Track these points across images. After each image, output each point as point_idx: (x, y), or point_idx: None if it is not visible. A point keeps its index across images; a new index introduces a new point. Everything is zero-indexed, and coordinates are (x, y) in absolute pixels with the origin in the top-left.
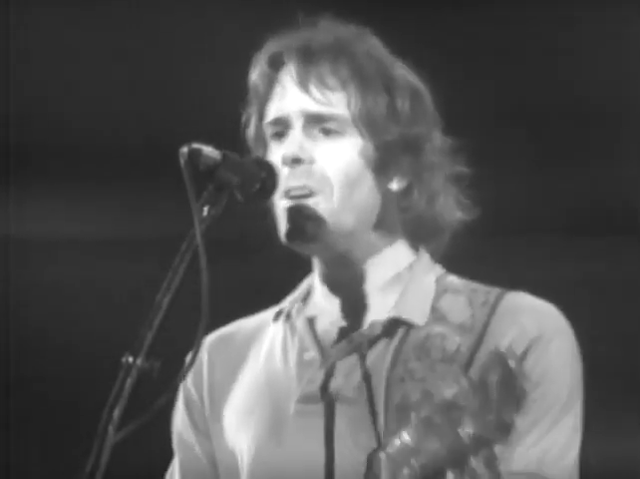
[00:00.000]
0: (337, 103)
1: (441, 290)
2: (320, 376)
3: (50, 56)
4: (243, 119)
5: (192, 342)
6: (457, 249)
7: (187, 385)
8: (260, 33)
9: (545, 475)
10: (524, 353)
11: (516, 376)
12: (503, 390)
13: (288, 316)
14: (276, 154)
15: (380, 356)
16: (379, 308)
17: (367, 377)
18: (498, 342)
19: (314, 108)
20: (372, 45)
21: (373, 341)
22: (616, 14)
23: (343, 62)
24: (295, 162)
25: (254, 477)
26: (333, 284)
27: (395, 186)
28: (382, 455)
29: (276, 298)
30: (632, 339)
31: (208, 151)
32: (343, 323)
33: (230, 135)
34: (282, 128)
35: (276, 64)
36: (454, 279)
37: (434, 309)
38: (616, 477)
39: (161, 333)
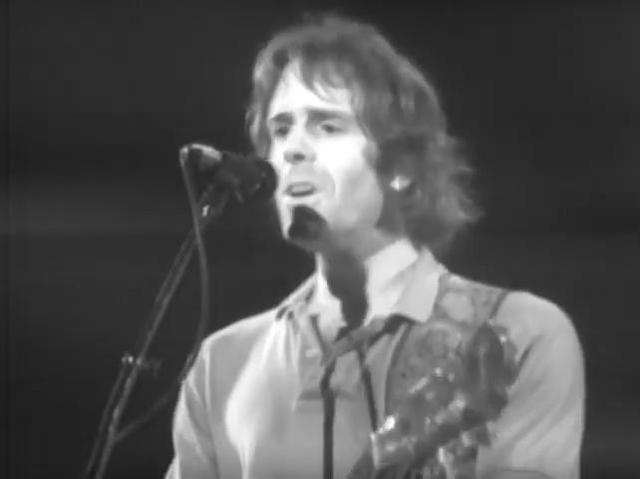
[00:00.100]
0: (341, 100)
1: (443, 289)
2: (321, 373)
3: (50, 55)
4: (247, 116)
5: (192, 342)
6: (457, 249)
7: (189, 385)
8: (264, 32)
9: (546, 473)
10: (526, 352)
11: (505, 349)
12: (493, 363)
13: (291, 315)
14: (279, 150)
15: (381, 352)
16: (381, 306)
17: (368, 373)
18: None
19: (318, 105)
20: (377, 43)
21: (375, 338)
22: (616, 14)
23: (347, 59)
24: (297, 158)
25: (256, 473)
26: (336, 282)
27: (397, 184)
28: (373, 436)
29: (277, 298)
30: (632, 339)
31: (208, 151)
32: (345, 321)
33: (230, 134)
34: (285, 124)
35: (281, 61)
36: (456, 279)
37: (436, 307)
38: (616, 476)
39: (161, 333)
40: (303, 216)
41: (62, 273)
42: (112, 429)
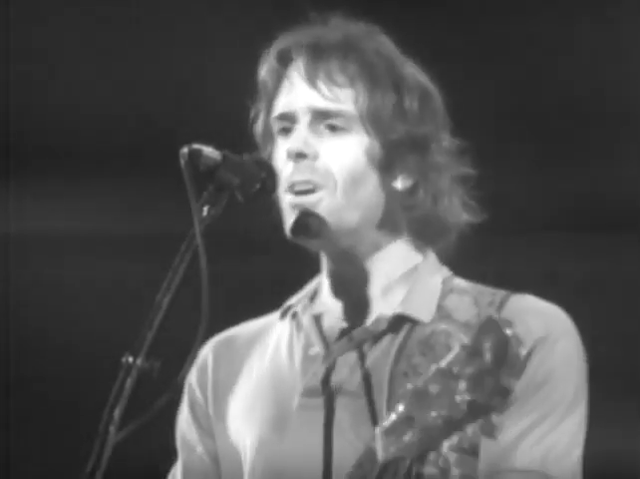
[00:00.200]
0: (344, 99)
1: (447, 290)
2: (322, 371)
3: (50, 55)
4: (252, 114)
5: (192, 342)
6: (458, 249)
7: (192, 386)
8: (264, 32)
9: (549, 473)
10: (529, 353)
11: (511, 341)
12: (498, 355)
13: (294, 315)
14: (282, 149)
15: (384, 351)
16: (384, 306)
17: (370, 371)
18: None
19: (321, 104)
20: (382, 43)
21: (378, 337)
22: (616, 14)
23: (352, 59)
24: (299, 156)
25: (257, 470)
26: (339, 281)
27: (400, 184)
28: (377, 430)
29: (278, 297)
30: (633, 338)
31: (209, 151)
32: (347, 321)
33: (231, 134)
34: (289, 123)
35: (285, 60)
36: (460, 281)
37: (439, 308)
38: (617, 476)
39: (161, 333)
40: (305, 214)
41: (62, 273)
42: (112, 429)
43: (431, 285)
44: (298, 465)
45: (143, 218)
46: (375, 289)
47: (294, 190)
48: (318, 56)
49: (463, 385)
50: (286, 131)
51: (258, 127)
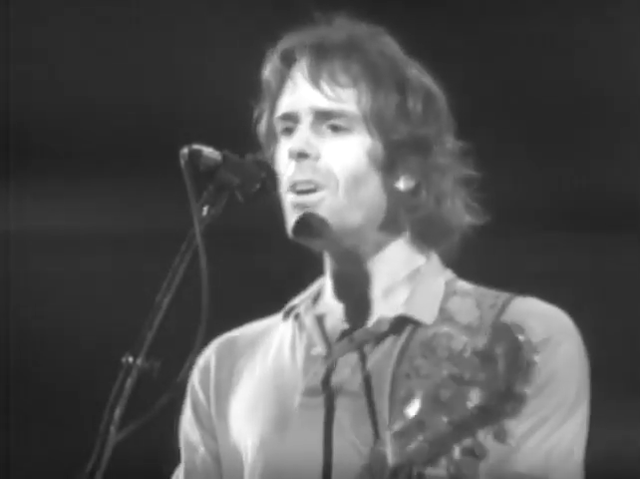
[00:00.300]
0: (347, 99)
1: (450, 292)
2: (323, 370)
3: (50, 55)
4: (255, 114)
5: (192, 342)
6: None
7: (195, 387)
8: (265, 32)
9: (551, 476)
10: None
11: (523, 347)
12: (511, 361)
13: (297, 316)
14: (285, 149)
15: (387, 352)
16: (386, 307)
17: (372, 372)
18: None
19: (324, 104)
20: (386, 44)
21: (380, 338)
22: (616, 14)
23: (355, 59)
24: (301, 156)
25: (258, 469)
26: (342, 281)
27: (402, 185)
28: (387, 434)
29: (278, 297)
30: (633, 338)
31: (209, 152)
32: (348, 322)
33: (230, 133)
34: (291, 123)
35: (289, 60)
36: (463, 284)
37: (442, 310)
38: (619, 476)
39: (161, 333)
40: (307, 214)
41: (62, 272)
42: (113, 429)
43: (434, 287)
44: (298, 464)
45: (143, 217)
46: (377, 291)
47: (296, 189)
48: (321, 56)
49: (475, 391)
50: (289, 131)
51: (262, 127)
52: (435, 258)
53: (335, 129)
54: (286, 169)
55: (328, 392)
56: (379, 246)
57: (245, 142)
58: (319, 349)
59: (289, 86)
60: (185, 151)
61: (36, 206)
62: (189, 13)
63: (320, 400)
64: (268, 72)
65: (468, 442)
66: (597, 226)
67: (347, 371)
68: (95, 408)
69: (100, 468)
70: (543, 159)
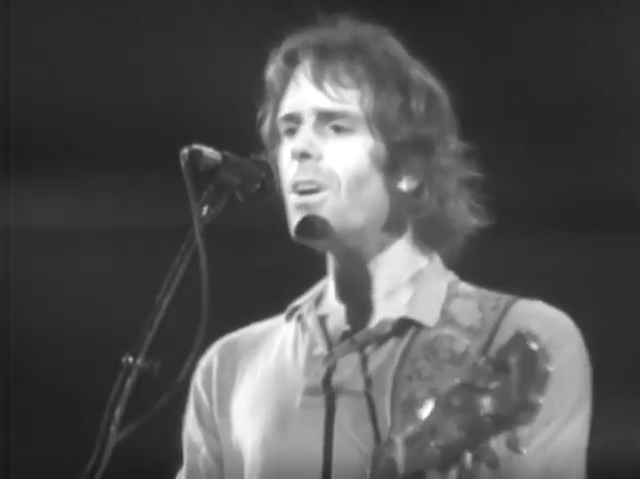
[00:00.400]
0: (350, 100)
1: (452, 295)
2: (324, 371)
3: (50, 55)
4: (259, 115)
5: (192, 342)
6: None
7: (198, 388)
8: (265, 32)
9: (554, 478)
10: None
11: (537, 357)
12: (525, 371)
13: (300, 317)
14: (288, 149)
15: (389, 354)
16: (388, 309)
17: (374, 374)
18: None
19: (327, 105)
20: (389, 45)
21: (382, 339)
22: (616, 14)
23: (358, 60)
24: (303, 156)
25: (259, 467)
26: (344, 282)
27: (405, 186)
28: (398, 439)
29: (278, 297)
30: (633, 338)
31: (209, 152)
32: (350, 324)
33: (230, 133)
34: (294, 124)
35: (292, 61)
36: (465, 286)
37: (444, 312)
38: (620, 476)
39: (161, 333)
40: (309, 214)
41: (62, 271)
42: (113, 429)
43: (436, 290)
44: (298, 463)
45: (143, 217)
46: (379, 292)
47: (298, 189)
48: (324, 57)
49: (487, 399)
50: (292, 132)
51: (265, 128)
52: (437, 260)
53: (338, 129)
54: (289, 169)
55: (329, 392)
56: (381, 247)
57: (246, 142)
58: (321, 349)
59: (292, 87)
60: (186, 151)
61: (36, 205)
62: (189, 13)
63: (321, 400)
64: (272, 73)
65: (479, 449)
66: (597, 226)
67: (348, 371)
68: (95, 408)
69: (100, 468)
70: (543, 159)
